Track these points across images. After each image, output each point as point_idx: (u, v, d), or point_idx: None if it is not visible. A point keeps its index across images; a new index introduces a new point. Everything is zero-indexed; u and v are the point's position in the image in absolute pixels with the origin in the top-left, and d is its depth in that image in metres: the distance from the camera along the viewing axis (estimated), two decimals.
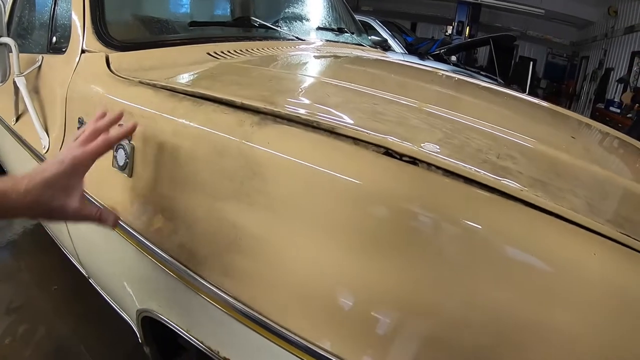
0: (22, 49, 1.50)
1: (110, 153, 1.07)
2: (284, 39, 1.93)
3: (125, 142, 1.02)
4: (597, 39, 12.97)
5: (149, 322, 1.12)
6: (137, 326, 1.19)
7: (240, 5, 2.24)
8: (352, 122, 0.79)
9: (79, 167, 0.83)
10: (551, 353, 0.58)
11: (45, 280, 2.34)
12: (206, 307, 0.84)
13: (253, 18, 1.87)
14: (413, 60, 4.80)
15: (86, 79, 1.26)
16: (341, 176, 0.69)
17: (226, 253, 0.80)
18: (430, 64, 4.07)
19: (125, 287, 1.17)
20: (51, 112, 1.42)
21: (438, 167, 0.66)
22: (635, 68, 10.66)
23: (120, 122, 0.93)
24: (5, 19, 1.52)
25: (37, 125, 1.43)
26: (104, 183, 1.09)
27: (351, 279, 0.68)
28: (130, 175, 1.02)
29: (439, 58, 6.75)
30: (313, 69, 1.55)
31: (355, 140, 0.71)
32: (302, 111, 0.80)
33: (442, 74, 1.94)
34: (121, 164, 1.03)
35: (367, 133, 0.71)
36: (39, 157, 1.44)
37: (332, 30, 2.33)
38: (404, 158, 0.68)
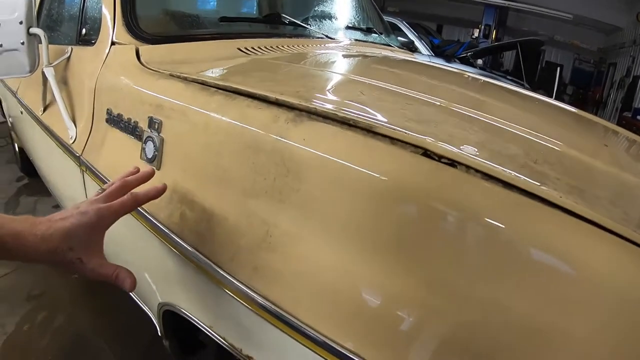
0: (51, 40, 1.51)
1: (138, 145, 1.07)
2: (313, 37, 1.92)
3: (154, 135, 1.01)
4: (625, 46, 12.76)
5: (170, 316, 1.12)
6: (158, 319, 1.18)
7: (269, 3, 2.24)
8: (388, 121, 0.77)
9: (102, 221, 0.79)
10: None
11: None
12: (232, 304, 0.83)
13: (283, 15, 1.86)
14: (439, 63, 4.77)
15: (115, 70, 1.26)
16: (378, 176, 0.67)
17: (256, 250, 0.79)
18: (456, 67, 4.03)
19: (148, 280, 1.17)
20: (79, 103, 1.42)
21: (477, 170, 0.64)
22: None
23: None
24: (36, 9, 1.53)
25: (64, 115, 1.43)
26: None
27: (383, 281, 0.67)
28: (159, 168, 1.01)
29: (465, 61, 6.71)
30: (344, 67, 1.54)
31: (393, 140, 0.69)
32: (337, 109, 0.78)
33: (473, 77, 1.91)
34: (150, 156, 1.03)
35: (405, 133, 0.70)
36: (66, 148, 1.45)
37: (360, 29, 2.31)
38: (442, 160, 0.66)
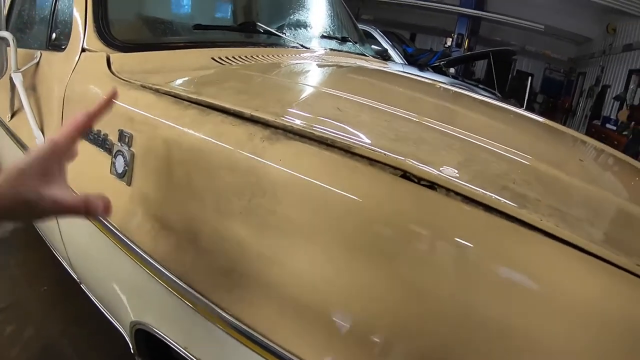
0: (20, 44, 1.46)
1: (108, 159, 1.03)
2: (288, 46, 1.90)
3: (124, 149, 0.98)
4: (595, 56, 13.03)
5: (143, 334, 1.09)
6: (130, 337, 1.15)
7: (244, 11, 2.22)
8: (366, 140, 0.76)
9: (57, 148, 0.70)
10: None
11: (34, 280, 2.30)
12: (206, 326, 0.81)
13: (258, 24, 1.84)
14: (413, 72, 4.79)
15: (85, 78, 1.23)
16: (357, 199, 0.66)
17: (230, 271, 0.77)
18: (429, 76, 4.06)
19: (120, 298, 1.14)
20: (48, 111, 1.38)
21: (457, 193, 0.63)
22: (632, 86, 10.72)
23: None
24: (5, 12, 1.48)
25: (32, 123, 1.39)
26: (100, 190, 1.04)
27: (360, 304, 0.66)
28: (129, 183, 0.98)
29: (438, 70, 6.76)
30: (320, 79, 1.52)
31: (372, 161, 0.68)
32: (315, 127, 0.77)
33: (448, 89, 1.92)
34: (120, 171, 1.00)
35: (384, 154, 0.68)
36: None
37: (335, 38, 2.30)
38: (422, 182, 0.65)
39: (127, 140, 0.98)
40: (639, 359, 0.56)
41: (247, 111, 0.83)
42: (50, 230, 1.50)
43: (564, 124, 1.84)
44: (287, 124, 0.78)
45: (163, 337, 0.97)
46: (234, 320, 0.75)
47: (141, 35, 1.53)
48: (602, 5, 10.80)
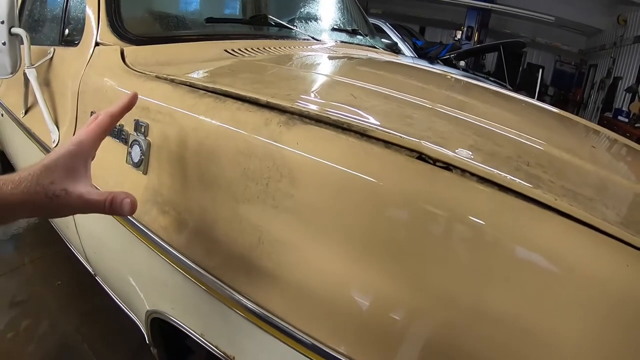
0: (33, 41, 1.47)
1: (124, 149, 1.04)
2: (299, 38, 1.91)
3: (141, 138, 0.99)
4: (606, 48, 12.92)
5: (159, 323, 1.10)
6: (146, 327, 1.16)
7: (254, 4, 2.22)
8: (381, 124, 0.76)
9: (82, 147, 0.72)
10: None
11: (49, 275, 2.32)
12: (223, 311, 0.82)
13: (270, 16, 1.84)
14: (423, 64, 4.78)
15: (100, 72, 1.23)
16: (373, 180, 0.66)
17: (248, 257, 0.78)
18: (440, 69, 4.04)
19: (135, 288, 1.15)
20: (62, 106, 1.39)
21: (472, 174, 0.64)
22: None
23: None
24: (17, 9, 1.50)
25: (47, 118, 1.41)
26: (117, 180, 1.06)
27: (378, 287, 0.66)
28: (145, 172, 0.99)
29: (448, 63, 6.73)
30: (332, 69, 1.53)
31: (387, 144, 0.68)
32: (330, 112, 0.77)
33: (459, 79, 1.91)
34: (136, 160, 1.01)
35: (399, 136, 0.69)
36: (48, 151, 1.41)
37: (346, 31, 2.30)
38: (437, 163, 0.65)
39: (143, 129, 0.99)
40: None
41: (264, 98, 0.83)
42: (65, 223, 1.51)
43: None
44: (303, 109, 0.78)
45: (179, 325, 0.98)
46: (251, 304, 0.76)
47: (154, 29, 1.54)
48: None
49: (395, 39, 6.87)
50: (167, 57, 1.27)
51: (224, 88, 0.91)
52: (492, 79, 6.78)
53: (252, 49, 1.50)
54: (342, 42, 2.17)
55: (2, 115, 2.09)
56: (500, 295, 0.59)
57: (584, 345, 0.57)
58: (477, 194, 0.63)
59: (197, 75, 1.10)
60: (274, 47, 1.62)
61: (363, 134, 0.71)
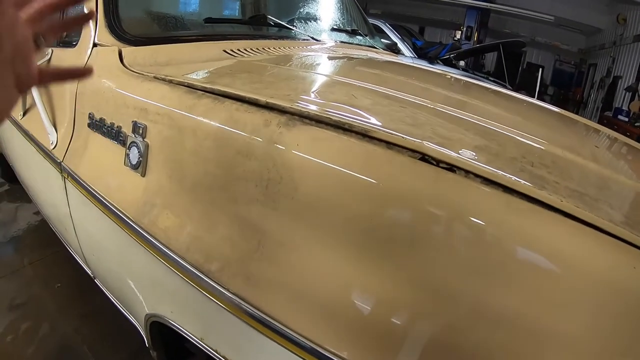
0: None
1: (122, 151, 1.03)
2: (299, 38, 1.90)
3: (139, 140, 0.98)
4: (606, 47, 12.91)
5: (158, 327, 1.09)
6: (145, 330, 1.15)
7: (254, 4, 2.21)
8: (383, 125, 0.75)
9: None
10: None
11: (49, 277, 2.31)
12: (223, 315, 0.81)
13: (269, 17, 1.83)
14: (423, 64, 4.77)
15: (98, 73, 1.22)
16: (376, 182, 0.66)
17: (248, 260, 0.77)
18: (440, 69, 4.04)
19: (134, 291, 1.14)
20: (60, 107, 1.38)
21: (477, 175, 0.63)
22: None
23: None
24: None
25: (45, 120, 1.40)
26: (115, 182, 1.05)
27: (380, 290, 0.66)
28: (144, 174, 0.98)
29: (448, 63, 6.72)
30: (332, 69, 1.52)
31: (390, 145, 0.67)
32: (331, 112, 0.76)
33: (460, 79, 1.90)
34: (134, 162, 1.00)
35: (402, 137, 0.68)
36: (46, 154, 1.41)
37: (345, 31, 2.29)
38: (441, 164, 0.64)
39: (141, 131, 0.98)
40: None
41: (263, 98, 0.82)
42: (64, 226, 1.50)
43: None
44: (303, 109, 0.77)
45: (179, 329, 0.97)
46: (251, 308, 0.75)
47: (152, 29, 1.53)
48: None
49: (395, 39, 6.86)
50: (165, 58, 1.26)
51: (223, 88, 0.90)
52: (492, 78, 6.78)
53: (251, 49, 1.49)
54: (341, 42, 2.17)
55: None
56: (505, 298, 0.59)
57: (590, 347, 0.56)
58: (482, 196, 0.62)
59: (196, 76, 1.09)
60: (273, 48, 1.61)
61: (365, 135, 0.70)
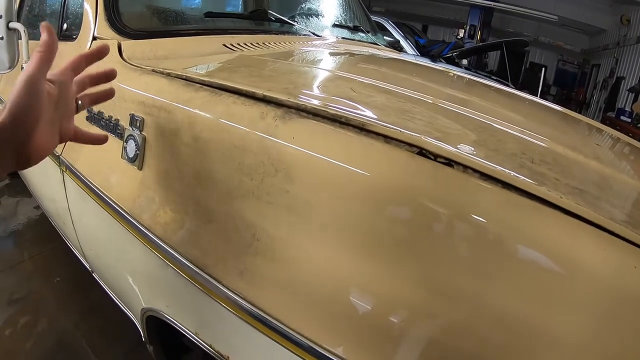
0: (32, 36, 1.46)
1: (119, 144, 1.03)
2: (300, 34, 1.89)
3: (136, 133, 0.97)
4: (609, 47, 12.90)
5: (154, 321, 1.08)
6: (141, 324, 1.15)
7: None
8: (381, 118, 0.74)
9: (33, 83, 0.67)
10: None
11: (48, 271, 2.31)
12: (217, 310, 0.80)
13: (270, 12, 1.82)
14: (426, 62, 4.76)
15: (97, 66, 1.21)
16: (372, 176, 0.65)
17: (242, 254, 0.76)
18: (442, 67, 4.03)
19: (131, 285, 1.14)
20: None
21: (475, 170, 0.62)
22: None
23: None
24: (16, 4, 1.48)
25: None
26: (112, 175, 1.05)
27: (376, 285, 0.65)
28: (141, 168, 0.98)
29: (450, 61, 6.71)
30: (332, 64, 1.51)
31: (387, 139, 0.66)
32: (328, 105, 0.75)
33: (462, 76, 1.90)
34: (131, 155, 0.99)
35: (399, 131, 0.67)
36: None
37: (347, 27, 2.29)
38: (439, 159, 0.63)
39: (138, 124, 0.97)
40: None
41: (260, 91, 0.82)
42: (63, 219, 1.50)
43: None
44: (300, 103, 0.76)
45: (174, 323, 0.96)
46: (246, 304, 0.74)
47: (152, 23, 1.52)
48: None
49: (398, 36, 6.85)
50: (164, 52, 1.26)
51: (220, 81, 0.89)
52: (495, 77, 6.76)
53: (251, 44, 1.49)
54: (343, 38, 2.16)
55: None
56: (503, 296, 0.58)
57: (589, 347, 0.55)
58: (480, 192, 0.61)
59: (194, 69, 1.08)
60: (274, 43, 1.60)
61: (362, 129, 0.69)
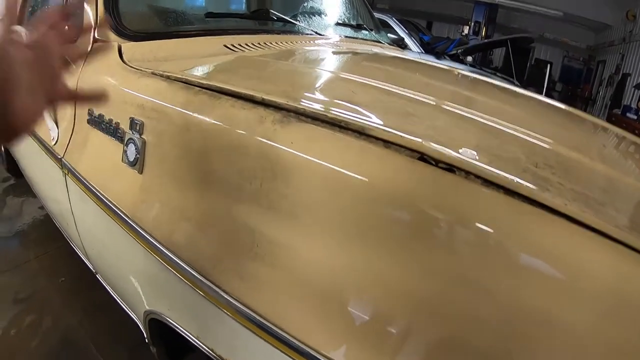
0: None
1: (120, 148, 1.03)
2: (302, 33, 1.88)
3: (136, 137, 0.97)
4: (615, 44, 12.82)
5: (157, 323, 1.08)
6: (144, 326, 1.15)
7: None
8: (381, 122, 0.73)
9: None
10: None
11: (53, 271, 2.31)
12: (218, 315, 0.80)
13: (272, 11, 1.81)
14: (430, 60, 4.75)
15: (97, 69, 1.22)
16: (372, 182, 0.64)
17: (242, 259, 0.76)
18: (447, 64, 4.01)
19: (134, 287, 1.13)
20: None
21: (477, 176, 0.61)
22: None
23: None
24: (19, 7, 1.48)
25: (46, 116, 1.39)
26: (113, 178, 1.05)
27: (375, 291, 0.64)
28: (141, 171, 0.97)
29: (455, 58, 6.70)
30: (334, 64, 1.50)
31: (387, 143, 0.66)
32: (327, 109, 0.75)
33: (466, 75, 1.88)
34: (131, 159, 0.99)
35: (400, 135, 0.66)
36: (48, 149, 1.40)
37: (351, 26, 2.27)
38: (440, 165, 0.62)
39: (138, 128, 0.97)
40: None
41: (258, 95, 0.81)
42: (66, 221, 1.50)
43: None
44: (299, 106, 0.76)
45: (175, 326, 0.96)
46: (245, 309, 0.74)
47: (152, 25, 1.52)
48: None
49: (402, 34, 6.83)
50: (165, 53, 1.25)
51: (219, 84, 0.88)
52: (500, 74, 6.74)
53: (252, 44, 1.48)
54: (346, 37, 2.15)
55: None
56: (505, 305, 0.57)
57: (594, 356, 0.54)
58: (482, 198, 0.60)
59: (193, 72, 1.08)
60: (276, 42, 1.59)
61: (361, 133, 0.68)
